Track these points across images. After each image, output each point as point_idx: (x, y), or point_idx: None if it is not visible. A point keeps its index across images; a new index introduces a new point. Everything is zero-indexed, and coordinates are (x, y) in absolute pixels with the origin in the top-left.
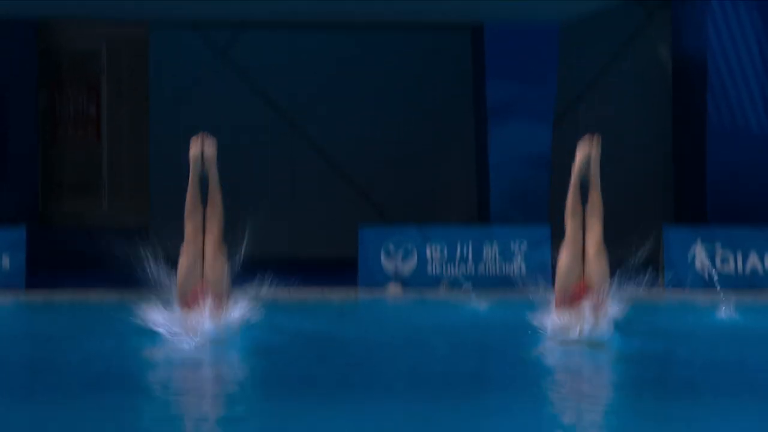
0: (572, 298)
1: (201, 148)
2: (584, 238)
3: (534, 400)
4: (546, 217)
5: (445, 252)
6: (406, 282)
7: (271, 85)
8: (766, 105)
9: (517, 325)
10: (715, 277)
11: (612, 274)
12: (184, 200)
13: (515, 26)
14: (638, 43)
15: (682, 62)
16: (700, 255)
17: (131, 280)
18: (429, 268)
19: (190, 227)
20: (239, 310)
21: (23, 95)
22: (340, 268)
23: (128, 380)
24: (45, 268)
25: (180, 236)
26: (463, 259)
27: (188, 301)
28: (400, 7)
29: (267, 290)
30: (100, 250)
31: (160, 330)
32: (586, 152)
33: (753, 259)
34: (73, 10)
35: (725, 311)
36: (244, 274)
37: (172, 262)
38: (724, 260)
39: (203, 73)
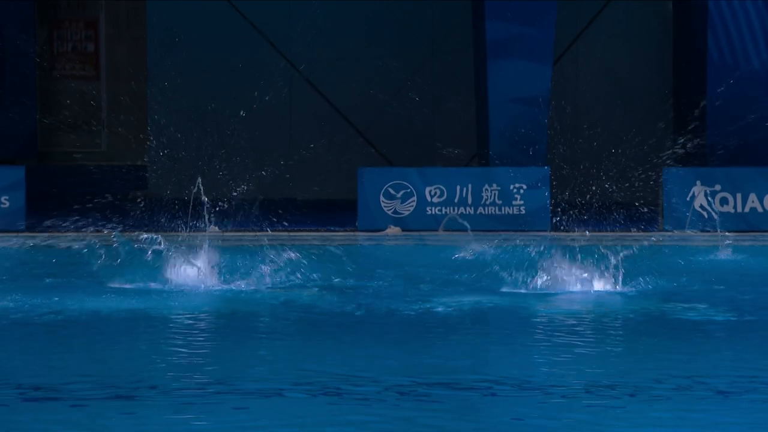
0: None
1: None
2: None
3: (526, 342)
4: (545, 158)
5: (445, 194)
6: (405, 224)
7: (269, 24)
8: None
9: (517, 265)
10: (715, 218)
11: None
12: (182, 139)
13: None
14: None
15: None
16: (699, 196)
17: (130, 218)
18: (428, 209)
19: None
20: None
21: (21, 32)
22: (340, 211)
23: (121, 323)
24: (44, 208)
25: (178, 175)
26: (463, 201)
27: None
28: None
29: (265, 232)
30: (99, 189)
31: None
32: None
33: (752, 200)
34: None
35: (724, 251)
36: (243, 215)
37: (170, 200)
38: (723, 201)
39: (201, 10)
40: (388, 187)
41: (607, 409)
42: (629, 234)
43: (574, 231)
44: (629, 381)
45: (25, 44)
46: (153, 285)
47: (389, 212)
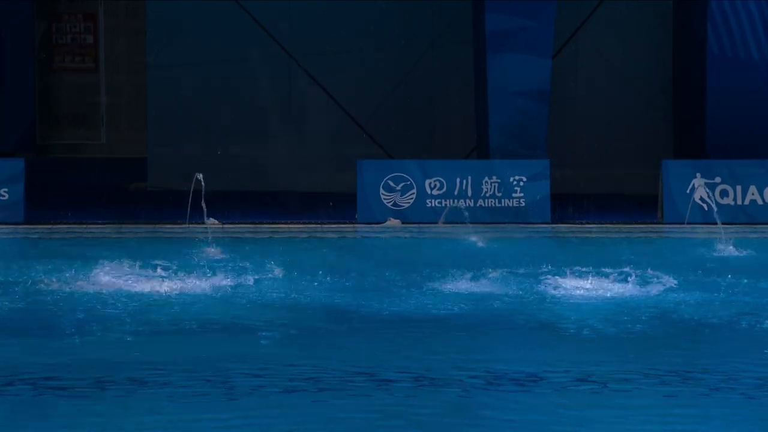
0: None
1: None
2: None
3: (525, 338)
4: (545, 151)
5: (445, 186)
6: (405, 216)
7: (270, 17)
8: None
9: (517, 259)
10: (715, 210)
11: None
12: (182, 131)
13: None
14: None
15: None
16: (699, 189)
17: (129, 212)
18: (428, 202)
19: None
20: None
21: (19, 24)
22: (340, 203)
23: (119, 319)
24: (43, 201)
25: (177, 167)
26: (463, 193)
27: None
28: None
29: (264, 224)
30: (99, 182)
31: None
32: None
33: (752, 192)
34: None
35: (723, 245)
36: (242, 206)
37: (170, 193)
38: (723, 194)
39: (201, 2)
40: (388, 179)
41: (610, 407)
42: (629, 226)
43: (574, 223)
44: (630, 377)
45: (24, 37)
46: (147, 279)
47: (389, 205)
